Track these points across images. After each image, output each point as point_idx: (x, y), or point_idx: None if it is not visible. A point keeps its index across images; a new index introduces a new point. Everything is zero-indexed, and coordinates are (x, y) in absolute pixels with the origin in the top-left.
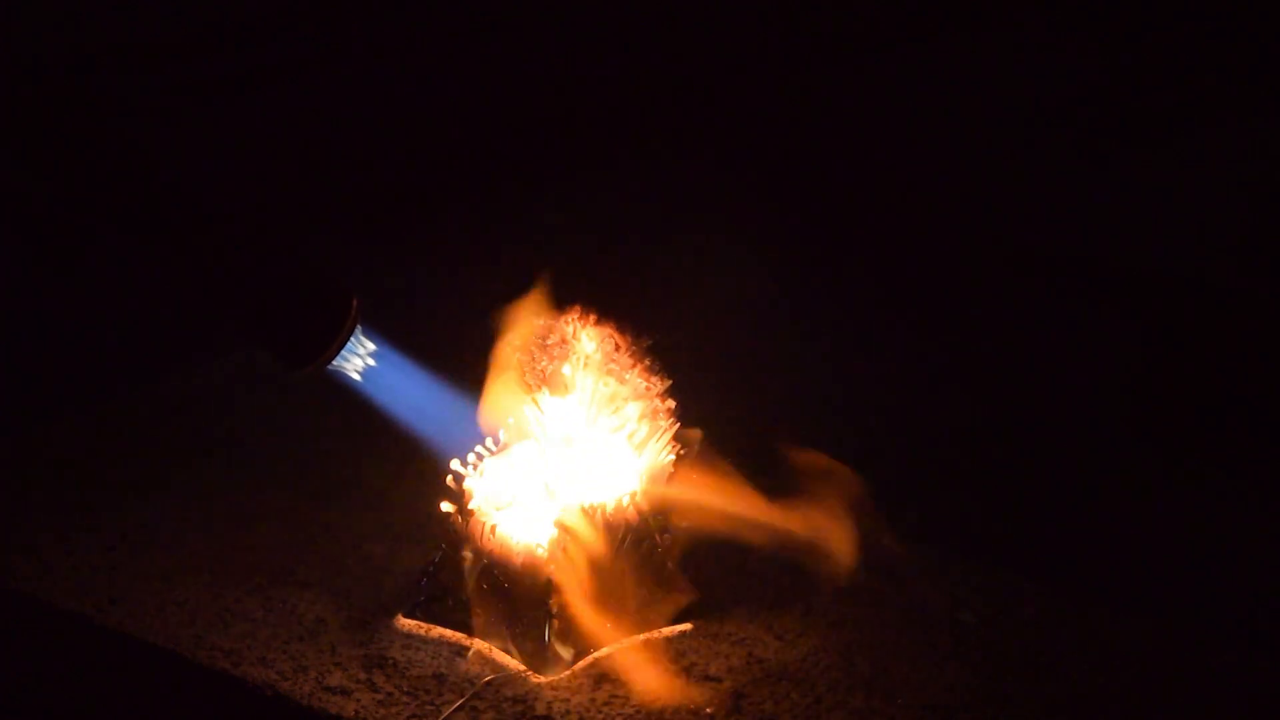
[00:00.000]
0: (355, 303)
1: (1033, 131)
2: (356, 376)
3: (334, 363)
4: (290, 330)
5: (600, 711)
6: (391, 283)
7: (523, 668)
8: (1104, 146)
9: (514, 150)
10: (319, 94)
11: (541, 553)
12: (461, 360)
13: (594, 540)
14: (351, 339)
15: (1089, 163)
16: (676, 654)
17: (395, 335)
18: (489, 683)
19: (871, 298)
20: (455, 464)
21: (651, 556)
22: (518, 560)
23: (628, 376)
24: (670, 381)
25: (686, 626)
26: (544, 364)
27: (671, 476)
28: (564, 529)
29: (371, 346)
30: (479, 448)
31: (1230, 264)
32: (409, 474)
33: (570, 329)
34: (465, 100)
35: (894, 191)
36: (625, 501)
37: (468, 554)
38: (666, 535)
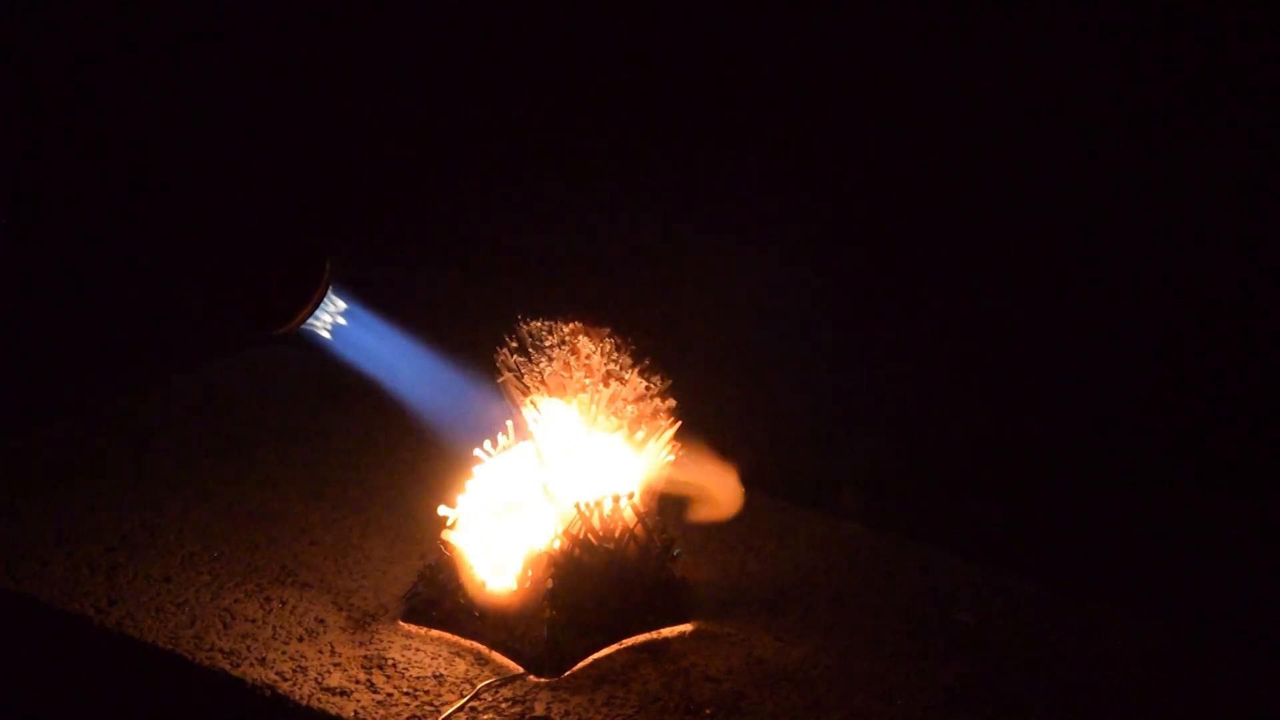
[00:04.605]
0: (327, 263)
1: (1034, 132)
2: (326, 335)
3: (306, 322)
4: (264, 291)
5: (600, 711)
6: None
7: (521, 668)
8: (1106, 148)
9: (512, 150)
10: (310, 95)
11: (541, 555)
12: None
13: (593, 541)
14: (324, 299)
15: (1091, 164)
16: (676, 654)
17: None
18: (488, 683)
19: (873, 299)
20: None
21: (650, 557)
22: (517, 564)
23: (627, 377)
24: (670, 381)
25: (686, 627)
26: (543, 365)
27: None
28: (563, 531)
29: (342, 305)
30: (478, 451)
31: (1232, 266)
32: (409, 474)
33: (569, 330)
34: (461, 99)
35: (896, 193)
36: (624, 503)
37: (467, 558)
38: (665, 535)
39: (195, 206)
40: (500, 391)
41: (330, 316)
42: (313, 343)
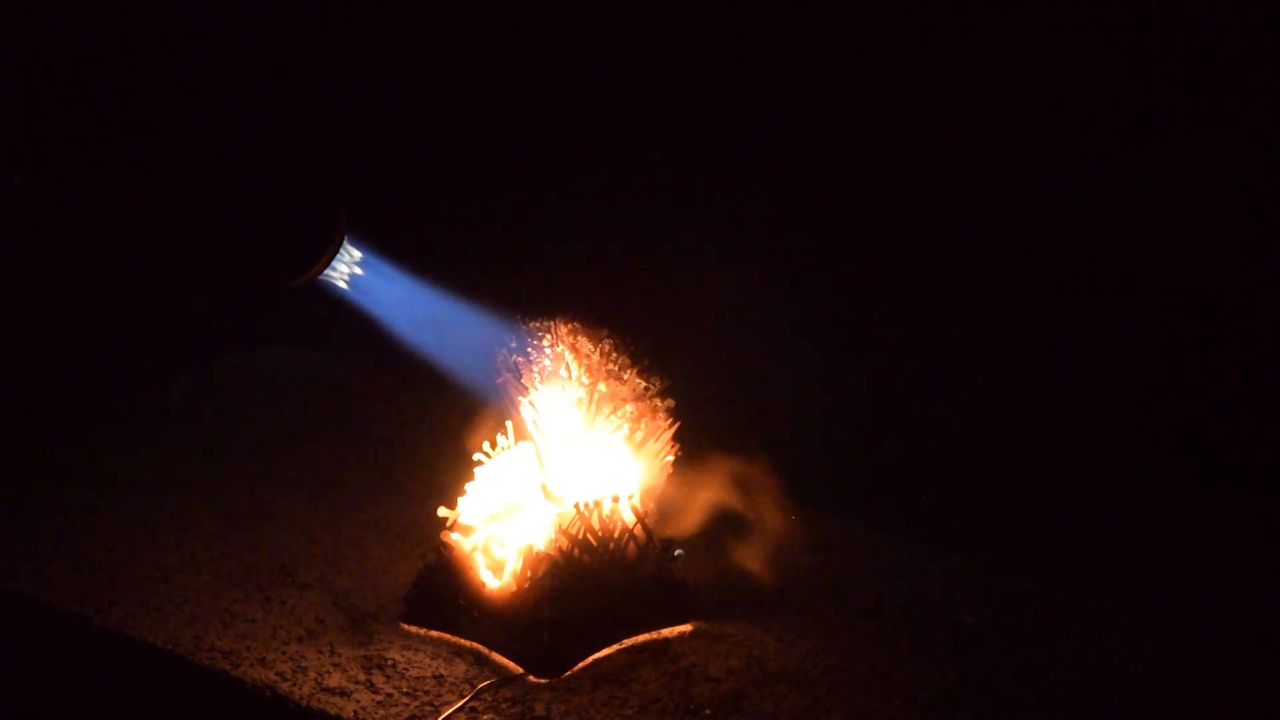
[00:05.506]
0: (343, 216)
1: (1033, 133)
2: (344, 285)
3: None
4: (281, 244)
5: (600, 711)
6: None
7: (521, 669)
8: (1106, 148)
9: (511, 153)
10: (310, 95)
11: (540, 555)
12: None
13: (592, 542)
14: (340, 250)
15: (1091, 164)
16: (676, 654)
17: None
18: (488, 683)
19: (872, 300)
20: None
21: (650, 557)
22: (517, 564)
23: (626, 377)
24: (669, 381)
25: (686, 627)
26: (542, 365)
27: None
28: (562, 531)
29: (358, 255)
30: (477, 454)
31: (1231, 266)
32: (408, 474)
33: (568, 330)
34: (460, 103)
35: (894, 194)
36: (624, 503)
37: (467, 558)
38: (665, 535)
39: (209, 168)
40: (503, 385)
41: (347, 267)
42: (330, 294)
